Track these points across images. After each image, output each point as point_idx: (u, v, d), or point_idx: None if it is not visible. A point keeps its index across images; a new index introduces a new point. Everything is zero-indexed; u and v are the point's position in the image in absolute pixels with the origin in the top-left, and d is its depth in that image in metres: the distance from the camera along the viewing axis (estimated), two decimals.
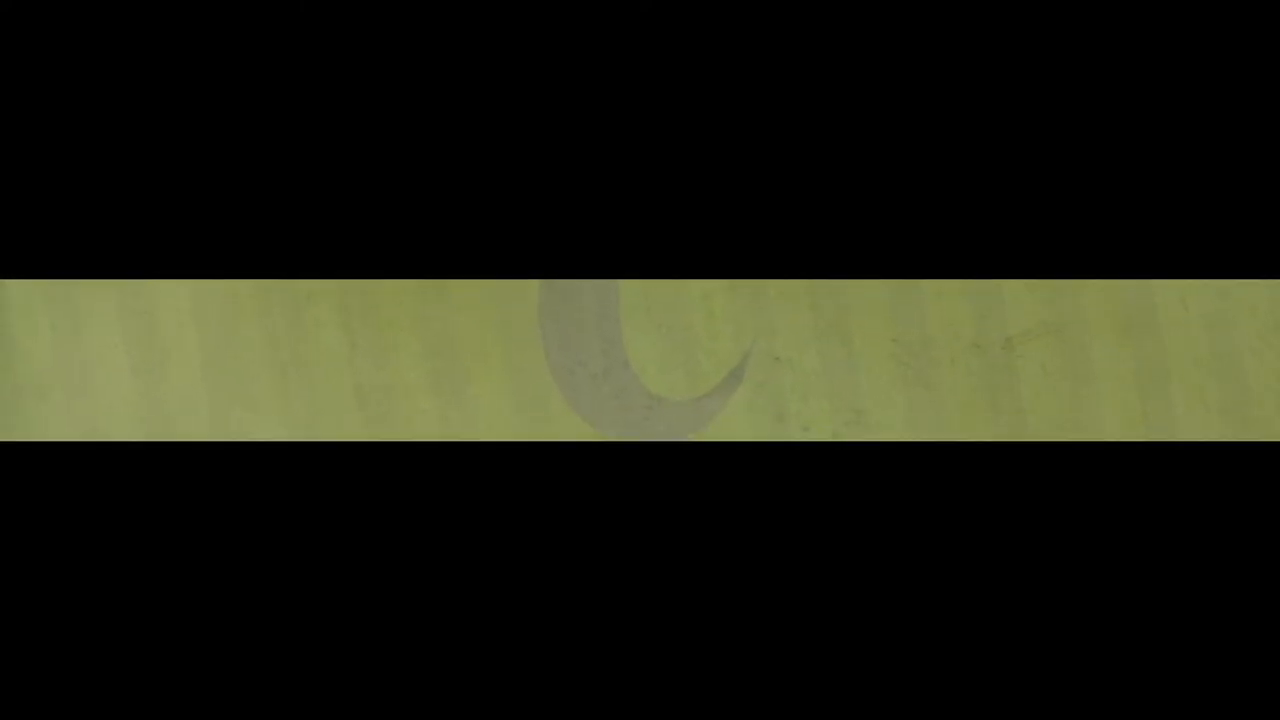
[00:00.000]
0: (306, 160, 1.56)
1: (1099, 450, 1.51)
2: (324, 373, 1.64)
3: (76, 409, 1.68)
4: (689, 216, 1.55)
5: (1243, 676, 1.46)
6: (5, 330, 1.69)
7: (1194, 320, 1.54)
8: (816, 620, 1.49)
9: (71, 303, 1.68)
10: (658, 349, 1.60)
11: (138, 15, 1.56)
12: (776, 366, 1.59)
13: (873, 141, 1.52)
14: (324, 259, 1.58)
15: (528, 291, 1.62)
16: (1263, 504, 1.48)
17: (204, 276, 1.59)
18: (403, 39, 1.56)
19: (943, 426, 1.57)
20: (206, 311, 1.66)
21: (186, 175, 1.57)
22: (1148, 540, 1.48)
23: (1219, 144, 1.50)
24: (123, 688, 1.52)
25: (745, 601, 1.50)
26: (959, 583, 1.48)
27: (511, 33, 1.55)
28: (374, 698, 1.51)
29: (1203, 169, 1.50)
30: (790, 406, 1.59)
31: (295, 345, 1.65)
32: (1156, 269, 1.50)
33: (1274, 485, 1.48)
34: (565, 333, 1.61)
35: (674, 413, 1.60)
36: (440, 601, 1.51)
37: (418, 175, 1.56)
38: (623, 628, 1.50)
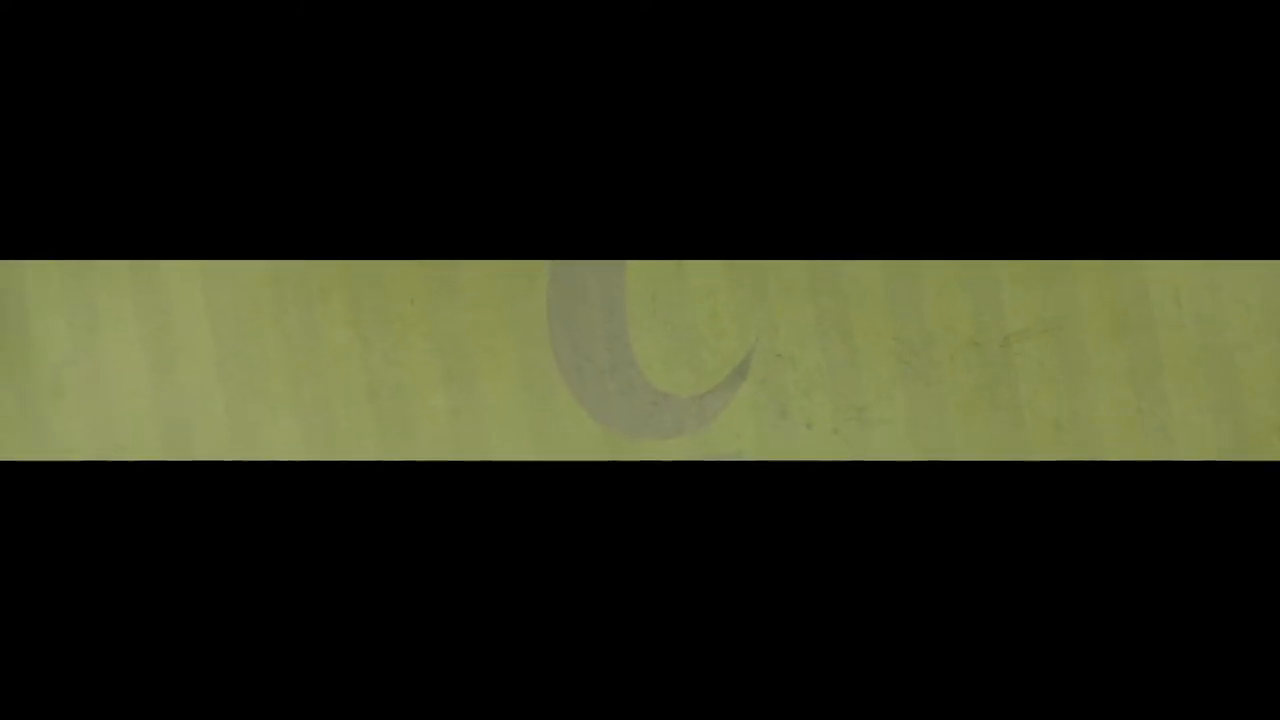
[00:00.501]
0: (313, 144, 1.58)
1: (1097, 463, 1.54)
2: (336, 369, 1.67)
3: (92, 407, 1.71)
4: (691, 201, 1.57)
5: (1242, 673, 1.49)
6: (22, 330, 1.72)
7: (1187, 318, 1.57)
8: (824, 633, 1.52)
9: (88, 302, 1.71)
10: (663, 347, 1.63)
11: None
12: (779, 363, 1.62)
13: (870, 127, 1.54)
14: (330, 242, 1.59)
15: (537, 291, 1.64)
16: (1258, 495, 1.51)
17: (212, 257, 1.60)
18: (407, 32, 1.58)
19: (943, 421, 1.60)
20: (221, 309, 1.69)
21: (196, 156, 1.59)
22: (1144, 543, 1.51)
23: (1213, 127, 1.51)
24: (125, 693, 1.54)
25: (746, 618, 1.52)
26: (961, 594, 1.51)
27: (513, 25, 1.57)
28: (382, 691, 1.54)
29: (1197, 152, 1.51)
30: (793, 403, 1.61)
31: (308, 342, 1.68)
32: (1152, 251, 1.52)
33: (1269, 477, 1.50)
34: (573, 331, 1.64)
35: (679, 408, 1.63)
36: (445, 610, 1.54)
37: (421, 160, 1.58)
38: (626, 641, 1.52)
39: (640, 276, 1.63)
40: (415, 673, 1.54)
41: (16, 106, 1.60)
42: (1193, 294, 1.57)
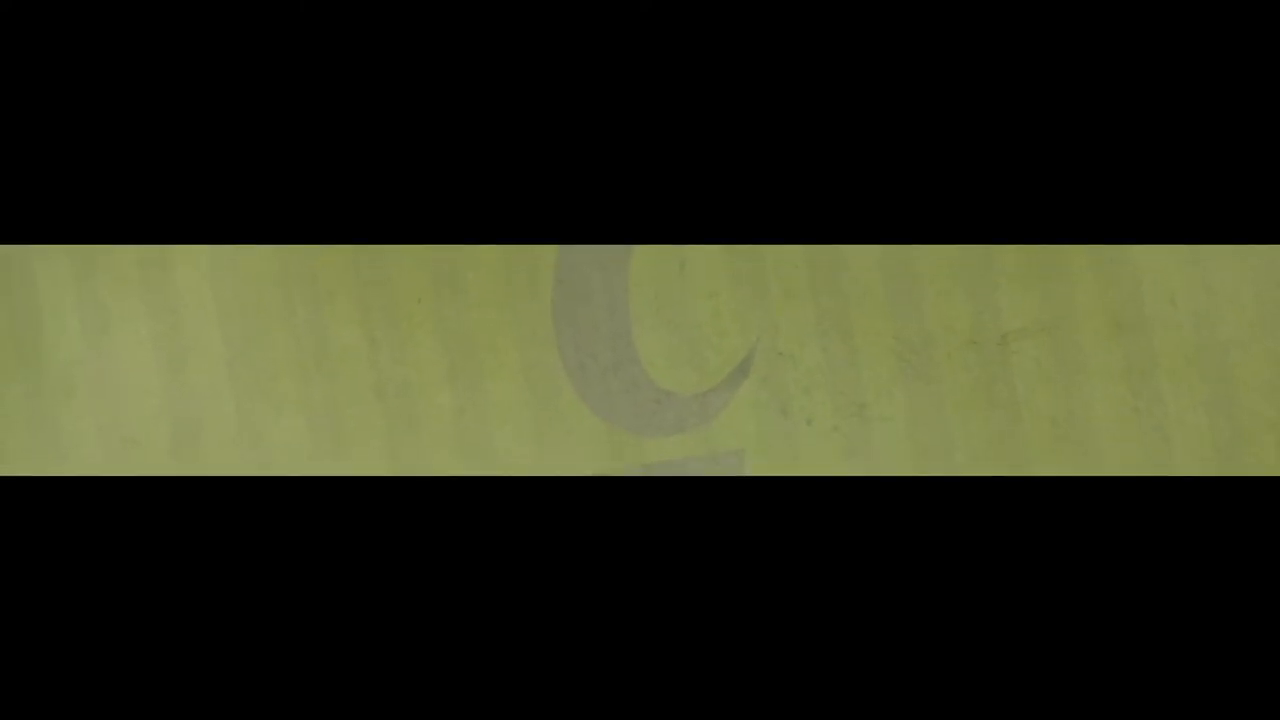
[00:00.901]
0: (321, 130, 1.60)
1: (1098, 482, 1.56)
2: (344, 368, 1.70)
3: (103, 405, 1.73)
4: (692, 189, 1.59)
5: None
6: (35, 330, 1.74)
7: (1182, 317, 1.59)
8: (825, 643, 1.53)
9: (99, 302, 1.73)
10: (666, 345, 1.65)
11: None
12: (780, 362, 1.64)
13: (866, 116, 1.56)
14: (336, 227, 1.61)
15: (541, 290, 1.67)
16: (1251, 495, 1.53)
17: (218, 242, 1.61)
18: (408, 28, 1.60)
19: (942, 419, 1.62)
20: (230, 310, 1.71)
21: (201, 141, 1.60)
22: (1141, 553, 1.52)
23: (1203, 112, 1.53)
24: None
25: (746, 629, 1.54)
26: (961, 610, 1.53)
27: (513, 23, 1.59)
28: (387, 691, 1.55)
29: (1188, 138, 1.53)
30: (794, 400, 1.64)
31: (316, 342, 1.70)
32: (1145, 235, 1.54)
33: (1262, 478, 1.52)
34: (577, 330, 1.66)
35: (681, 406, 1.65)
36: (450, 623, 1.55)
37: (426, 148, 1.60)
38: (625, 652, 1.54)
39: (643, 276, 1.65)
40: (419, 680, 1.55)
41: (28, 93, 1.61)
42: (1188, 293, 1.59)
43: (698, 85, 1.59)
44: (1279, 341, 1.57)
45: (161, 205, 1.60)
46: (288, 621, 1.55)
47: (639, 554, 1.55)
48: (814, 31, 1.57)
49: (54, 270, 1.74)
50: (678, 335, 1.65)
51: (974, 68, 1.56)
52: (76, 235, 1.60)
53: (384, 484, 1.59)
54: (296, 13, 1.59)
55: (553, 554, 1.55)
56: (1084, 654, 1.51)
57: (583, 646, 1.54)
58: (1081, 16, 1.55)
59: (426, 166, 1.60)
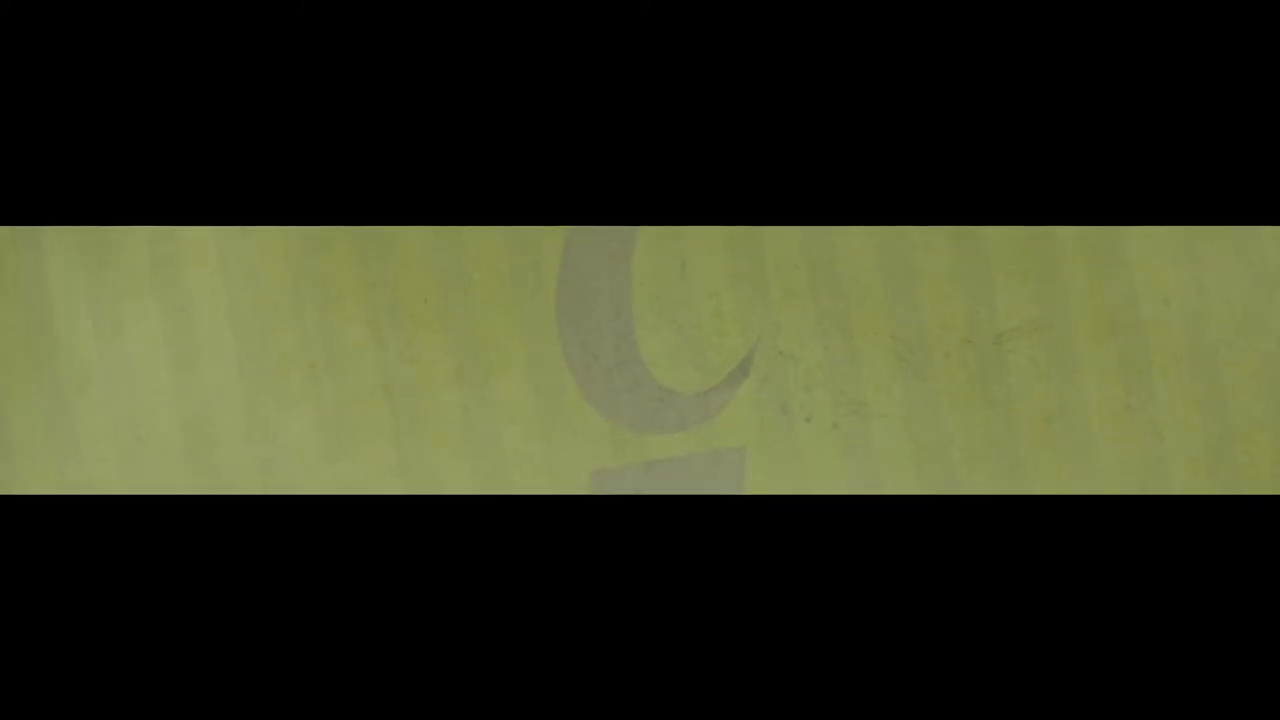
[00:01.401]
0: (324, 117, 1.61)
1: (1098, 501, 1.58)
2: (352, 367, 1.71)
3: (116, 403, 1.75)
4: (692, 173, 1.60)
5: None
6: (49, 328, 1.76)
7: (1175, 317, 1.61)
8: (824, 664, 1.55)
9: (113, 302, 1.75)
10: (668, 345, 1.67)
11: None
12: (781, 361, 1.66)
13: (859, 107, 1.58)
14: (341, 209, 1.62)
15: (546, 290, 1.69)
16: (1246, 499, 1.54)
17: (227, 222, 1.62)
18: (414, 23, 1.61)
19: (938, 416, 1.64)
20: (241, 310, 1.73)
21: (211, 125, 1.61)
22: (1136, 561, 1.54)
23: (1196, 93, 1.55)
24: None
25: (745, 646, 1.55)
26: (961, 638, 1.54)
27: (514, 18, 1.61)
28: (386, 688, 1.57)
29: (1182, 118, 1.55)
30: (794, 399, 1.66)
31: (325, 342, 1.72)
32: (1133, 216, 1.56)
33: (1256, 473, 1.54)
34: (582, 331, 1.68)
35: (683, 405, 1.67)
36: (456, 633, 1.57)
37: (432, 136, 1.61)
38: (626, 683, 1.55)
39: (646, 277, 1.67)
40: (419, 684, 1.56)
41: (34, 83, 1.62)
42: (1181, 293, 1.61)
43: (696, 78, 1.60)
44: (1269, 341, 1.59)
45: (169, 189, 1.61)
46: (295, 632, 1.57)
47: (641, 566, 1.56)
48: (812, 29, 1.59)
49: (67, 270, 1.76)
50: (680, 335, 1.67)
51: (966, 58, 1.57)
52: (85, 218, 1.61)
53: (390, 501, 1.61)
54: (304, 5, 1.61)
55: (554, 566, 1.57)
56: (1083, 661, 1.53)
57: (583, 654, 1.55)
58: (1069, 9, 1.57)
59: (429, 154, 1.62)
